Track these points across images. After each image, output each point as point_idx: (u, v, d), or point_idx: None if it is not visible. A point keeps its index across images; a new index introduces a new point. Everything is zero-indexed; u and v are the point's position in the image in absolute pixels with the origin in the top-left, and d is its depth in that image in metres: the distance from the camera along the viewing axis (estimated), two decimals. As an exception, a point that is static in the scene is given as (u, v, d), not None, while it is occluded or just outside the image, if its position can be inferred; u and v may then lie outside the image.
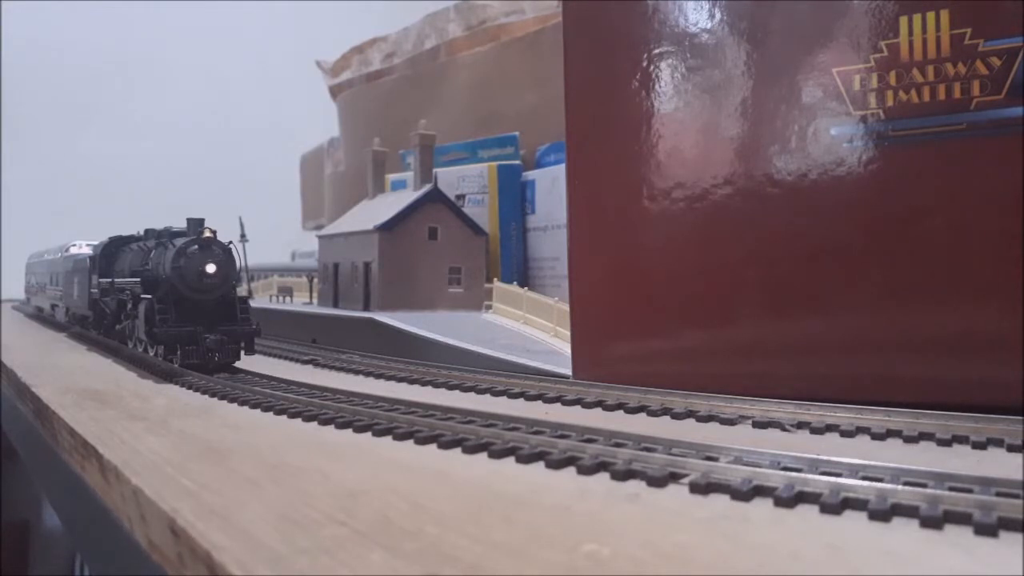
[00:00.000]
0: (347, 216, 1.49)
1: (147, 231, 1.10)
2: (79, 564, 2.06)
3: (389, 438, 0.55)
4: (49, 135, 2.97)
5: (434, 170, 1.33)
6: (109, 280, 1.10)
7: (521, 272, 1.37)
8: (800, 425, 0.58)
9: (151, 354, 0.93)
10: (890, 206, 0.64)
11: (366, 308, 1.25)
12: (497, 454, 0.49)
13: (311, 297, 1.59)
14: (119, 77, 3.07)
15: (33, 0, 2.97)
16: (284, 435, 0.58)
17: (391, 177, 1.51)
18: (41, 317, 1.87)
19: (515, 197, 1.38)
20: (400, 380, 0.86)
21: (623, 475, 0.44)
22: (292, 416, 0.64)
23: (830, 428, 0.56)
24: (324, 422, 0.61)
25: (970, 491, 0.37)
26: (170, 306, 0.89)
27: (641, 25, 0.78)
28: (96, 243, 1.24)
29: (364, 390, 0.72)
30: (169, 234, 0.99)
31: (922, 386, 0.62)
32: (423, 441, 0.53)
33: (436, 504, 0.39)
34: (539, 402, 0.71)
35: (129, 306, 1.01)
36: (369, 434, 0.57)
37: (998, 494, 0.36)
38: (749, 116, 0.71)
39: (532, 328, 1.11)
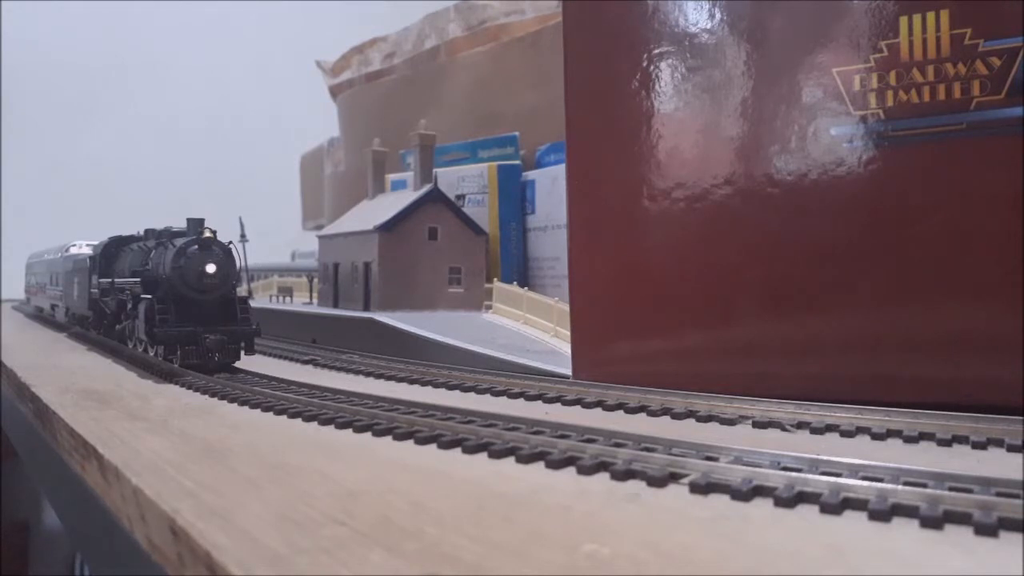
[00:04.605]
0: (347, 216, 1.49)
1: (147, 231, 1.10)
2: (79, 564, 2.06)
3: (389, 438, 0.55)
4: (49, 135, 2.97)
5: (434, 170, 1.33)
6: (109, 280, 1.10)
7: (521, 272, 1.37)
8: (800, 425, 0.58)
9: (151, 354, 0.93)
10: (890, 206, 0.64)
11: (366, 308, 1.25)
12: (497, 454, 0.49)
13: (311, 297, 1.59)
14: (119, 77, 3.07)
15: (33, 0, 2.97)
16: (284, 435, 0.58)
17: (391, 177, 1.51)
18: (41, 317, 1.87)
19: (515, 197, 1.38)
20: (400, 380, 0.86)
21: (623, 475, 0.44)
22: (292, 416, 0.64)
23: (830, 428, 0.56)
24: (324, 422, 0.61)
25: (970, 491, 0.37)
26: (170, 306, 0.89)
27: (641, 25, 0.78)
28: (96, 243, 1.24)
29: (364, 390, 0.72)
30: (169, 234, 0.99)
31: (922, 386, 0.62)
32: (423, 441, 0.53)
33: (436, 504, 0.39)
34: (539, 402, 0.71)
35: (129, 306, 1.01)
36: (369, 434, 0.57)
37: (998, 494, 0.36)
38: (749, 116, 0.71)
39: (532, 328, 1.11)
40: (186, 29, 3.17)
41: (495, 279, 1.28)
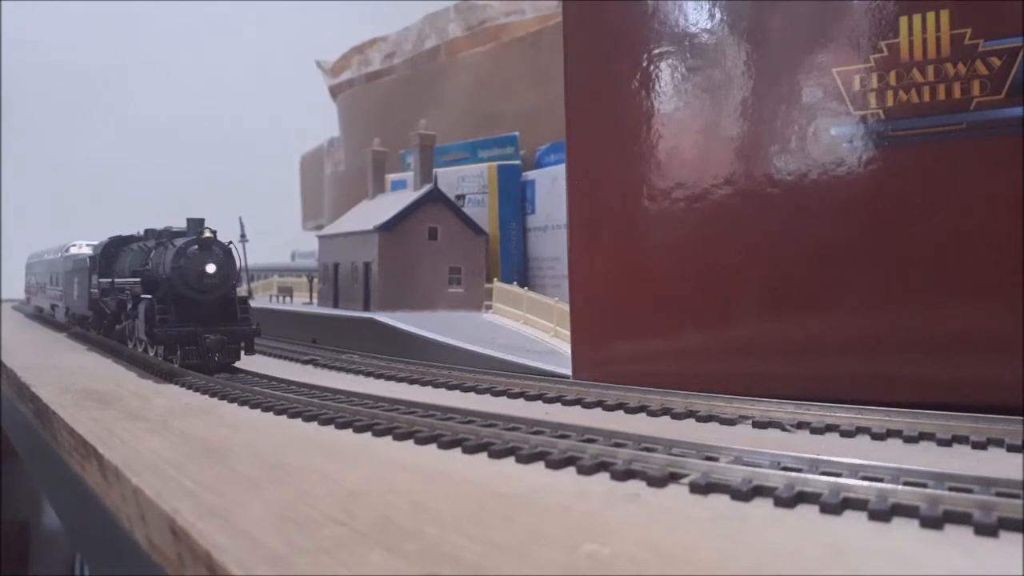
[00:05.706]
0: (347, 216, 1.49)
1: (147, 231, 1.10)
2: (79, 564, 2.07)
3: (389, 438, 0.55)
4: (49, 135, 2.97)
5: (434, 170, 1.33)
6: (109, 280, 1.10)
7: (521, 272, 1.37)
8: (800, 425, 0.58)
9: (151, 354, 0.93)
10: (890, 206, 0.64)
11: (366, 308, 1.25)
12: (497, 454, 0.49)
13: (311, 297, 1.59)
14: (119, 77, 3.07)
15: (33, 0, 2.97)
16: (284, 435, 0.58)
17: (391, 177, 1.51)
18: (41, 317, 1.87)
19: (515, 197, 1.38)
20: (400, 380, 0.86)
21: (623, 475, 0.44)
22: (292, 416, 0.64)
23: (830, 428, 0.56)
24: (324, 422, 0.61)
25: (970, 491, 0.37)
26: (170, 306, 0.89)
27: (641, 25, 0.78)
28: (96, 243, 1.24)
29: (364, 390, 0.72)
30: (169, 234, 0.99)
31: (922, 386, 0.62)
32: (423, 441, 0.53)
33: (436, 504, 0.39)
34: (539, 402, 0.71)
35: (129, 306, 1.01)
36: (369, 434, 0.57)
37: (998, 494, 0.36)
38: (749, 116, 0.71)
39: (532, 328, 1.11)
40: (186, 29, 3.17)
41: (495, 279, 1.28)
